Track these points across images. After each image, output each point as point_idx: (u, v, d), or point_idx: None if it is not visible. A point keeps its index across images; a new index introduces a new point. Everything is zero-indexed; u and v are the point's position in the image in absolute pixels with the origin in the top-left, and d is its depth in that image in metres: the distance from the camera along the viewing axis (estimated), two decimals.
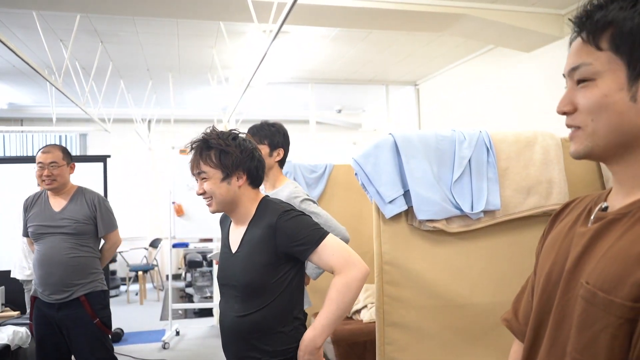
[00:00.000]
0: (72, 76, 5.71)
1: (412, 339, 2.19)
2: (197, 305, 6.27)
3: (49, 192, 3.01)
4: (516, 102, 5.23)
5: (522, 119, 5.10)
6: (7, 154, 6.03)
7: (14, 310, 4.83)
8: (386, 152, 2.23)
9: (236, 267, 1.63)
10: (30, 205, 3.02)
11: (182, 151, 5.34)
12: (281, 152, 2.48)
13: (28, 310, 3.00)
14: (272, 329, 1.59)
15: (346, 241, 2.24)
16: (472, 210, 2.24)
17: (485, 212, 2.27)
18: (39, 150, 2.98)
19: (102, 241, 3.12)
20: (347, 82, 7.11)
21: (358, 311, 3.82)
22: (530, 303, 0.97)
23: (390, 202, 2.20)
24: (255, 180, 1.70)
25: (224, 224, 1.85)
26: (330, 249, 1.61)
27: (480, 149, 2.32)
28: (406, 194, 2.22)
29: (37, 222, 2.92)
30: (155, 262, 8.48)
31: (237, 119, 7.57)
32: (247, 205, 1.69)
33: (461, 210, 2.22)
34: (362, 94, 8.26)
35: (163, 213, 8.95)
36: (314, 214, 2.30)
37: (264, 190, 2.58)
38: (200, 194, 1.71)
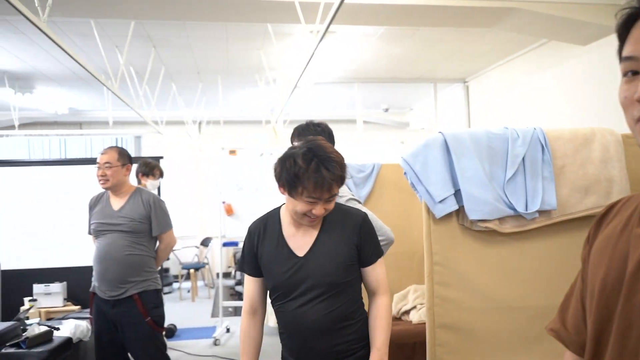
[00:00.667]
0: (127, 81, 5.92)
1: (464, 341, 2.15)
2: None
3: (110, 192, 3.13)
4: (572, 97, 5.03)
5: (579, 115, 4.90)
6: (69, 157, 6.34)
7: (75, 305, 5.07)
8: (436, 151, 2.19)
9: (312, 270, 1.65)
10: (94, 203, 3.15)
11: (232, 152, 5.43)
12: None
13: (90, 305, 3.13)
14: (354, 319, 1.70)
15: (391, 242, 2.24)
16: (526, 210, 2.16)
17: (540, 212, 2.19)
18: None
19: (158, 242, 3.21)
20: (394, 80, 7.04)
21: (407, 312, 3.77)
22: (580, 311, 0.92)
23: (441, 201, 2.16)
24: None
25: (261, 233, 1.80)
26: (383, 268, 1.77)
27: (534, 147, 2.24)
28: (457, 194, 2.18)
29: (97, 220, 3.05)
30: (206, 261, 8.67)
31: (284, 120, 7.64)
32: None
33: (515, 210, 2.16)
34: (409, 93, 8.16)
35: (213, 212, 9.15)
36: None
37: None
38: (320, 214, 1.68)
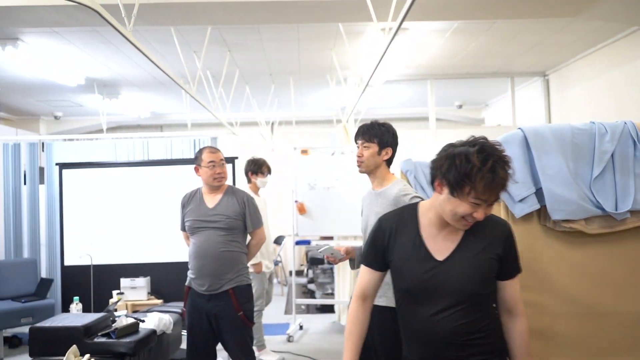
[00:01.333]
0: (204, 84, 6.16)
1: (549, 348, 2.05)
2: (319, 301, 6.43)
3: (203, 190, 3.24)
4: None
5: None
6: (151, 157, 6.70)
7: (158, 299, 5.33)
8: (515, 148, 2.11)
9: (450, 276, 1.58)
10: (187, 202, 3.27)
11: (304, 151, 5.50)
12: (389, 151, 2.50)
13: (184, 299, 3.27)
14: (486, 331, 1.61)
15: None
16: (616, 210, 2.03)
17: (632, 212, 2.05)
18: (203, 150, 3.20)
19: (248, 238, 3.30)
20: (468, 76, 6.84)
21: None
22: None
23: (521, 200, 2.08)
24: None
25: (393, 229, 1.73)
26: (519, 285, 1.66)
27: (625, 143, 2.09)
28: (538, 192, 2.08)
29: (193, 217, 3.16)
30: (279, 258, 8.84)
31: (355, 119, 7.64)
32: None
33: (603, 209, 2.03)
34: (484, 88, 7.90)
35: (286, 211, 9.31)
36: None
37: (371, 187, 2.59)
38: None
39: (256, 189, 4.77)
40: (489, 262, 1.58)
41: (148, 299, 5.28)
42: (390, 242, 1.70)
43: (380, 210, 2.45)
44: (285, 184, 9.36)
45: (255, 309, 4.41)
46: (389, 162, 2.52)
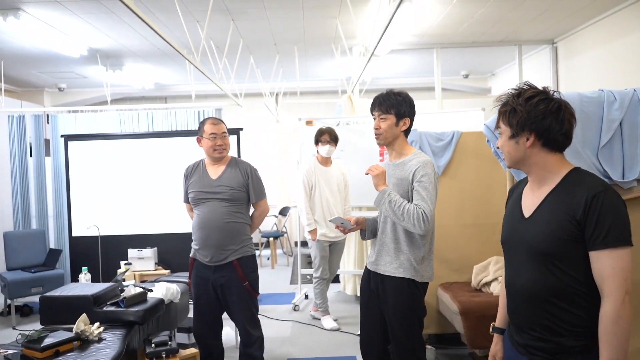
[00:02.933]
0: (207, 55, 6.09)
1: None
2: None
3: (206, 161, 3.25)
4: None
5: None
6: (156, 129, 6.68)
7: (165, 269, 5.40)
8: None
9: (528, 233, 1.60)
10: (190, 173, 3.27)
11: (309, 122, 5.47)
12: (407, 121, 2.49)
13: (189, 271, 3.30)
14: (572, 303, 1.53)
15: (425, 219, 2.28)
16: (622, 179, 2.01)
17: (639, 180, 2.03)
18: (205, 121, 3.19)
19: (252, 209, 3.31)
20: (475, 44, 6.73)
21: (488, 284, 3.69)
22: None
23: None
24: (551, 142, 1.59)
25: (514, 189, 1.80)
26: (617, 262, 1.46)
27: (634, 110, 2.06)
28: None
29: (196, 189, 3.18)
30: (284, 230, 8.90)
31: (360, 89, 7.56)
32: (546, 168, 1.61)
33: (610, 178, 2.01)
34: (491, 57, 7.78)
35: (291, 182, 9.32)
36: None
37: (388, 159, 2.58)
38: (497, 148, 1.74)
39: (322, 159, 4.72)
40: (565, 225, 1.51)
41: (155, 269, 5.36)
42: (508, 201, 1.79)
43: (398, 182, 2.47)
44: (290, 155, 9.35)
45: (316, 275, 4.72)
46: (406, 132, 2.53)
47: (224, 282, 3.12)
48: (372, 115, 2.52)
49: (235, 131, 5.70)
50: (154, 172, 5.65)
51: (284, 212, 9.04)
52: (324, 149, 4.67)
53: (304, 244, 9.35)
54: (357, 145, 5.34)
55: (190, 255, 3.24)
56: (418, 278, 2.43)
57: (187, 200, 3.30)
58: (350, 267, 5.70)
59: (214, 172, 3.19)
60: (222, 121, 3.23)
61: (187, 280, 4.30)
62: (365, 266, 2.67)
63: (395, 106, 2.44)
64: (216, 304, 3.18)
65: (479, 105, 5.72)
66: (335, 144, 4.70)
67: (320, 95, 9.50)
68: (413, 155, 2.46)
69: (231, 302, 3.15)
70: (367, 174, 2.45)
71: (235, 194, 3.12)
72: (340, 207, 4.74)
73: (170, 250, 5.52)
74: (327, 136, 4.66)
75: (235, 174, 3.16)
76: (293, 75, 8.14)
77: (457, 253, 4.01)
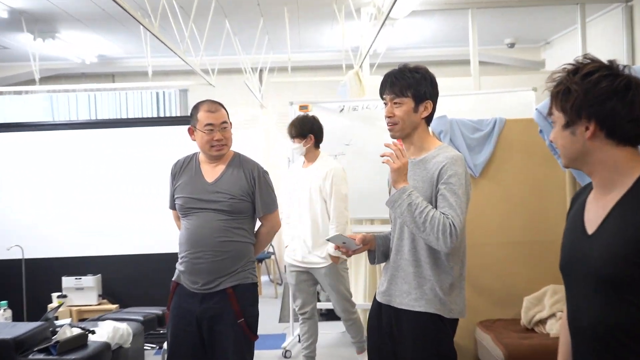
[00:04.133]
0: (169, 19, 6.08)
1: None
2: (326, 305, 6.46)
3: (200, 157, 3.22)
4: None
5: None
6: (100, 116, 6.65)
7: (112, 303, 5.37)
8: None
9: (592, 254, 1.58)
10: (179, 171, 3.24)
11: (303, 107, 5.45)
12: (429, 105, 2.49)
13: (169, 298, 3.28)
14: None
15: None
16: None
17: None
18: (199, 107, 3.15)
19: (258, 223, 3.29)
20: (524, 4, 6.74)
21: (543, 321, 3.68)
22: None
23: None
24: (617, 132, 1.57)
25: (576, 198, 1.78)
26: None
27: None
28: None
29: (186, 194, 3.14)
30: (271, 249, 8.87)
31: (371, 63, 7.55)
32: (613, 168, 1.59)
33: None
34: (544, 21, 7.80)
35: (281, 185, 9.28)
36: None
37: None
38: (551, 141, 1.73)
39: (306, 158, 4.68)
40: (632, 241, 1.49)
41: (99, 304, 5.33)
42: (569, 213, 1.77)
43: (419, 185, 2.45)
44: (279, 149, 9.33)
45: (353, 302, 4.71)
46: (428, 120, 2.52)
47: (212, 314, 3.08)
48: (383, 99, 2.51)
49: None
50: (98, 173, 5.62)
51: None
52: (293, 147, 4.65)
53: None
54: (368, 137, 5.32)
55: (173, 279, 3.22)
56: (445, 313, 2.41)
57: (173, 207, 3.29)
58: (358, 299, 5.68)
59: (211, 173, 3.16)
60: (221, 106, 3.18)
61: (141, 318, 4.27)
62: (374, 297, 2.65)
63: (412, 86, 2.43)
64: (199, 347, 3.15)
65: (528, 83, 5.71)
66: (304, 139, 4.57)
67: (319, 71, 9.50)
68: (438, 150, 2.46)
69: (218, 343, 3.09)
70: (384, 161, 2.41)
71: (236, 205, 3.09)
72: (311, 223, 4.57)
73: (120, 278, 5.49)
74: (291, 130, 4.62)
75: (237, 177, 3.14)
76: (282, 45, 8.13)
77: (500, 281, 4.00)
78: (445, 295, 2.41)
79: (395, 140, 2.46)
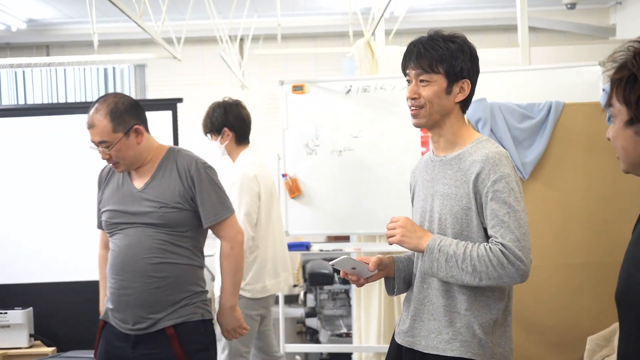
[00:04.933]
0: None
1: None
2: (326, 347, 6.47)
3: None
4: None
5: None
6: (30, 100, 6.62)
7: (48, 346, 5.37)
8: None
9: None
10: (104, 180, 3.31)
11: (297, 88, 5.46)
12: (466, 86, 2.50)
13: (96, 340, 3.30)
14: None
15: None
16: None
17: None
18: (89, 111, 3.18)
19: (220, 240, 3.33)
20: None
21: None
22: None
23: None
24: None
25: None
26: None
27: None
28: None
29: (111, 207, 3.19)
30: None
31: (387, 30, 7.55)
32: None
33: None
34: None
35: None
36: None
37: (431, 151, 2.62)
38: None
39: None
40: None
41: (30, 346, 5.32)
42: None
43: (452, 192, 2.46)
44: (265, 144, 9.32)
45: None
46: (464, 105, 2.55)
47: None
48: (406, 75, 2.52)
49: (169, 104, 5.68)
50: (24, 177, 5.62)
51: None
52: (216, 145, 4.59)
53: (292, 299, 9.30)
54: (383, 127, 5.33)
55: (101, 317, 3.24)
56: (486, 358, 2.42)
57: (99, 225, 3.34)
58: (371, 340, 5.69)
59: (140, 176, 3.21)
60: (108, 114, 3.11)
61: None
62: (393, 337, 2.67)
63: (445, 59, 2.44)
64: None
65: (594, 56, 5.72)
66: (219, 135, 4.52)
67: (318, 40, 9.51)
68: (475, 145, 2.47)
69: None
70: (391, 242, 2.48)
71: (169, 215, 3.11)
72: None
73: (57, 313, 5.49)
74: (203, 124, 4.58)
75: (170, 179, 3.17)
76: (270, 6, 8.13)
77: (557, 316, 4.00)
78: (486, 335, 2.41)
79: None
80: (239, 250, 3.32)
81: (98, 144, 3.11)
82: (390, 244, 2.46)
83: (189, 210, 3.15)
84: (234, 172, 4.48)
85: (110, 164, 3.17)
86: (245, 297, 4.30)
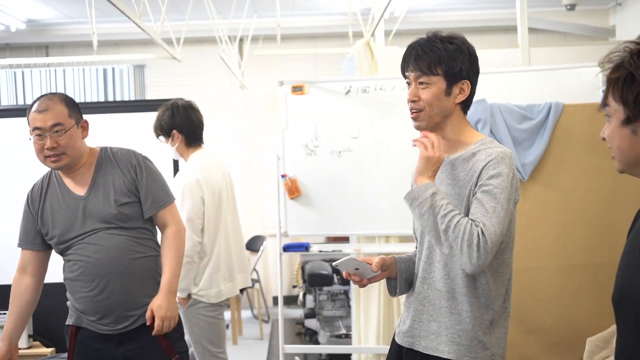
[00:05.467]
0: None
1: None
2: (326, 348, 6.47)
3: (60, 172, 3.24)
4: None
5: None
6: (29, 100, 6.58)
7: (47, 346, 5.37)
8: None
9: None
10: (39, 198, 3.24)
11: (297, 89, 5.46)
12: (466, 86, 2.49)
13: (69, 347, 3.30)
14: None
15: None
16: None
17: None
18: (31, 106, 3.14)
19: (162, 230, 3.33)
20: None
21: None
22: None
23: None
24: None
25: None
26: None
27: None
28: None
29: (60, 222, 3.16)
30: (255, 276, 8.87)
31: (387, 30, 7.55)
32: None
33: None
34: None
35: (266, 193, 9.27)
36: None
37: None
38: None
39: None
40: None
41: (29, 347, 5.32)
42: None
43: (453, 192, 2.46)
44: (265, 145, 9.32)
45: None
46: (465, 106, 2.54)
47: (133, 356, 3.14)
48: (405, 77, 2.52)
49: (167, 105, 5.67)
50: (26, 176, 5.61)
51: (253, 245, 9.02)
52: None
53: (291, 300, 9.31)
54: (382, 128, 5.33)
55: (70, 322, 3.25)
56: (486, 359, 2.43)
57: (27, 244, 3.29)
58: (371, 341, 5.69)
59: (79, 183, 3.19)
60: (62, 101, 3.15)
61: None
62: (393, 338, 2.67)
63: (444, 61, 2.43)
64: None
65: (593, 57, 5.71)
66: (169, 137, 4.48)
67: (317, 41, 9.50)
68: (479, 145, 2.46)
69: None
70: (416, 144, 2.46)
71: (126, 212, 3.14)
72: None
73: (57, 314, 5.45)
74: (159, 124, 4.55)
75: (114, 176, 3.18)
76: (270, 6, 8.13)
77: (556, 317, 4.01)
78: (485, 336, 2.41)
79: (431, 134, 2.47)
80: (184, 236, 3.31)
81: (50, 128, 3.04)
82: (415, 145, 2.46)
83: (137, 202, 3.19)
84: (178, 177, 4.48)
85: (52, 158, 3.08)
86: (202, 302, 4.32)
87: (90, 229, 3.12)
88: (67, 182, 3.21)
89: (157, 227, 3.31)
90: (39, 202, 3.23)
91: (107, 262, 3.09)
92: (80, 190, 3.17)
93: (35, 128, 3.07)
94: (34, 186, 3.29)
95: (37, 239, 3.26)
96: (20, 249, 3.36)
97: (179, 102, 4.46)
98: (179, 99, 4.53)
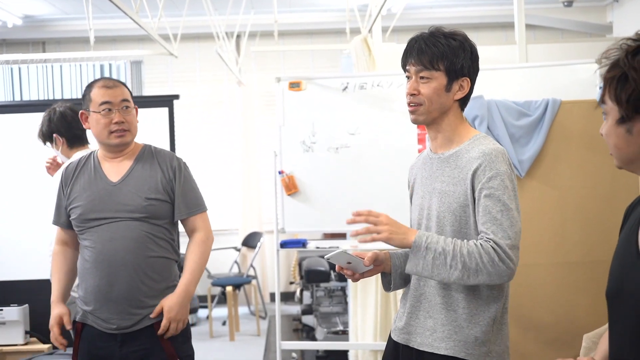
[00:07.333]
0: None
1: None
2: (323, 344, 6.46)
3: (99, 154, 3.26)
4: None
5: None
6: (26, 96, 6.62)
7: (44, 342, 5.36)
8: None
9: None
10: (71, 176, 3.24)
11: (294, 85, 5.46)
12: (466, 84, 2.50)
13: (74, 344, 3.28)
14: None
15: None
16: None
17: None
18: (92, 85, 3.19)
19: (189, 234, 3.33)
20: None
21: None
22: None
23: None
24: None
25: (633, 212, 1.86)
26: None
27: None
28: None
29: (84, 201, 3.15)
30: (252, 272, 8.87)
31: (384, 27, 7.55)
32: None
33: None
34: None
35: (264, 190, 9.27)
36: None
37: (429, 149, 2.61)
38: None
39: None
40: None
41: (26, 343, 5.32)
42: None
43: (449, 190, 2.46)
44: (261, 141, 9.31)
45: None
46: (463, 102, 2.54)
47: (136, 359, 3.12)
48: (405, 72, 2.52)
49: (165, 101, 5.68)
50: (22, 172, 5.61)
51: (250, 241, 9.02)
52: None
53: (288, 296, 9.31)
54: (380, 125, 5.32)
55: (76, 318, 3.23)
56: (481, 357, 2.42)
57: (60, 223, 3.30)
58: (368, 337, 5.69)
59: (115, 170, 3.20)
60: (121, 83, 3.25)
61: None
62: (390, 336, 2.67)
63: (447, 56, 2.44)
64: None
65: (591, 54, 5.72)
66: (48, 141, 4.45)
67: (315, 37, 9.49)
68: (472, 142, 2.46)
69: None
70: (361, 240, 2.41)
71: (153, 207, 3.13)
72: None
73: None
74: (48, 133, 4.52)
75: (151, 171, 3.19)
76: (267, 3, 8.12)
77: (554, 313, 4.00)
78: (483, 334, 2.41)
79: (358, 209, 2.41)
80: (211, 244, 3.32)
81: (120, 103, 3.14)
82: (372, 241, 2.37)
83: (168, 202, 3.18)
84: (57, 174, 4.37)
85: (118, 132, 3.11)
86: None
87: (112, 216, 3.11)
88: (105, 167, 3.21)
89: (185, 233, 3.31)
90: (71, 178, 3.24)
91: (120, 252, 3.08)
92: (114, 177, 3.17)
93: (105, 102, 3.12)
94: (67, 165, 3.32)
95: (65, 215, 3.27)
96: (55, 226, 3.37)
97: (56, 107, 4.42)
98: (58, 104, 4.48)
